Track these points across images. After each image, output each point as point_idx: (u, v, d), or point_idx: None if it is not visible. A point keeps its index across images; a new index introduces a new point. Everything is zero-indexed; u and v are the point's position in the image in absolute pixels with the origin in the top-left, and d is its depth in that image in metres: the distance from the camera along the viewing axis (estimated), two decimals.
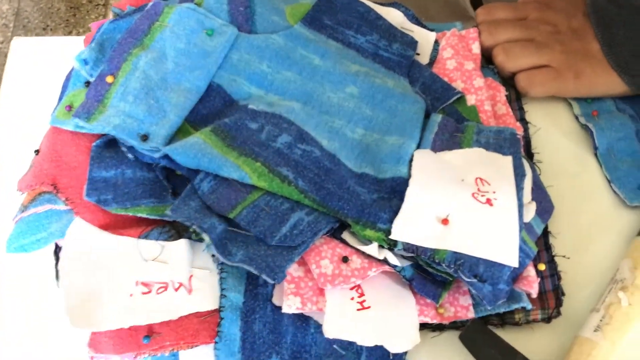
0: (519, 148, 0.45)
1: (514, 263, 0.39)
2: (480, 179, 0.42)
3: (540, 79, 0.50)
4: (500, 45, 0.51)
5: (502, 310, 0.40)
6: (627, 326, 0.40)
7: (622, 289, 0.42)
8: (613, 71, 0.50)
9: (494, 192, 0.41)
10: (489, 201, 0.41)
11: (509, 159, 0.44)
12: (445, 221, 0.39)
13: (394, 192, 0.41)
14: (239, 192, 0.39)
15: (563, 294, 0.42)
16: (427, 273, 0.40)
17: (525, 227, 0.42)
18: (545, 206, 0.45)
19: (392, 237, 0.38)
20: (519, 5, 0.53)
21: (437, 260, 0.38)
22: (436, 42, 0.51)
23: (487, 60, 0.52)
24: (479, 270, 0.38)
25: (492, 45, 0.51)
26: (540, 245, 0.44)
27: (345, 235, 0.39)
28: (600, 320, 0.40)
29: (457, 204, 0.40)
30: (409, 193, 0.40)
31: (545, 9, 0.53)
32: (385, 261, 0.39)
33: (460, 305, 0.40)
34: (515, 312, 0.41)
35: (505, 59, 0.51)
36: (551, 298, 0.42)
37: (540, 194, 0.45)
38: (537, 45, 0.51)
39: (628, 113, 0.52)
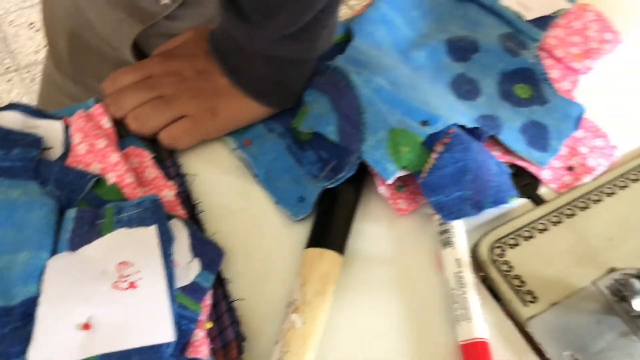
0: (163, 213, 0.44)
1: (170, 337, 0.38)
2: (123, 263, 0.41)
3: (180, 132, 0.50)
4: (131, 113, 0.50)
5: None
6: (305, 347, 0.41)
7: (295, 310, 0.43)
8: (248, 98, 0.52)
9: (138, 272, 0.40)
10: (132, 285, 0.39)
11: (152, 229, 0.43)
12: (86, 326, 0.37)
13: (26, 316, 0.38)
14: None
15: (244, 339, 0.42)
16: None
17: (186, 290, 0.41)
18: (212, 256, 0.45)
19: None
20: (144, 63, 0.53)
21: None
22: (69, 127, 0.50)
23: None
24: None
25: (122, 116, 0.50)
26: (218, 296, 0.44)
27: None
28: (280, 351, 0.41)
29: (96, 302, 0.38)
30: (40, 311, 0.38)
31: (168, 60, 0.53)
32: None
33: None
34: None
35: (139, 126, 0.50)
36: (234, 348, 0.42)
37: (204, 246, 0.45)
38: (166, 100, 0.51)
39: (278, 131, 0.54)
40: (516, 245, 0.48)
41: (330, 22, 0.49)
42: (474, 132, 0.52)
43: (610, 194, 0.51)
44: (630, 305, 0.44)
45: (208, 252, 0.45)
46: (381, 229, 0.49)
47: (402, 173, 0.49)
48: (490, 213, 0.50)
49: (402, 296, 0.46)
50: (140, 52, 0.69)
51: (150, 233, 0.43)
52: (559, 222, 0.49)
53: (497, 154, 0.53)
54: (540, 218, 0.49)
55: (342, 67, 0.53)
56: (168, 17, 0.63)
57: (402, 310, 0.45)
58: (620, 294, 0.44)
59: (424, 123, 0.50)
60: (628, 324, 0.44)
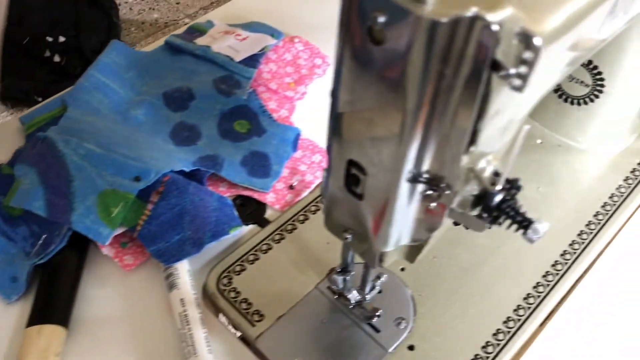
0: None
1: None
2: None
3: None
4: None
5: None
6: None
7: None
8: None
9: None
10: None
11: None
12: None
13: None
14: None
15: None
16: None
17: None
18: None
19: None
20: None
21: None
22: None
23: None
24: None
25: None
26: None
27: None
28: None
29: None
30: None
31: None
32: None
33: None
34: None
35: None
36: None
37: None
38: None
39: None
40: (243, 270, 0.50)
41: None
42: (195, 174, 0.54)
43: None
44: (348, 299, 0.47)
45: None
46: (111, 289, 0.49)
47: (119, 231, 0.49)
48: (221, 246, 0.52)
49: (135, 351, 0.46)
50: None
51: None
52: (282, 239, 0.52)
53: (222, 189, 0.56)
54: (264, 240, 0.52)
55: (51, 138, 0.53)
56: None
57: None
58: (338, 290, 0.47)
59: (137, 179, 0.51)
60: (349, 316, 0.47)
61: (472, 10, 0.25)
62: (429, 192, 0.32)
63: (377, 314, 0.47)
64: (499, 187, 0.32)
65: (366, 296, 0.46)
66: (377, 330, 0.46)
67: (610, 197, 0.56)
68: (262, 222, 0.54)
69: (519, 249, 0.52)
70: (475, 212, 0.34)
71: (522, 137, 0.33)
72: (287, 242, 0.52)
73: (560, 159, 0.59)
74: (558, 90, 0.59)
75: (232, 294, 0.48)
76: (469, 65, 0.26)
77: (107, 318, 0.48)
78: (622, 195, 0.57)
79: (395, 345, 0.46)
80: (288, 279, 0.50)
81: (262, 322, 0.47)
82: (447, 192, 0.32)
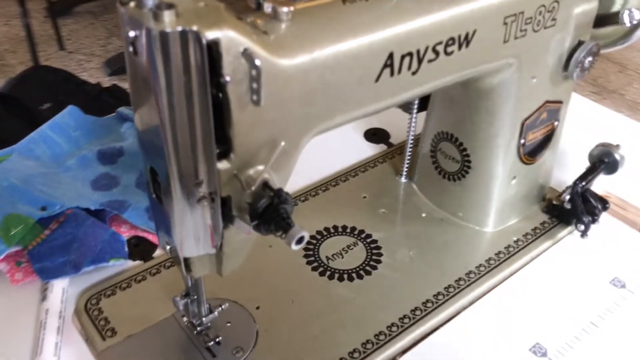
0: None
1: None
2: None
3: None
4: None
5: None
6: None
7: None
8: None
9: None
10: None
11: None
12: None
13: None
14: None
15: None
16: None
17: None
18: None
19: None
20: None
21: None
22: None
23: None
24: None
25: None
26: None
27: None
28: None
29: None
30: None
31: None
32: None
33: None
34: None
35: None
36: None
37: None
38: None
39: None
40: (112, 295, 0.55)
41: None
42: (100, 214, 0.61)
43: None
44: (194, 325, 0.51)
45: None
46: None
47: (14, 250, 0.56)
48: (105, 274, 0.57)
49: None
50: None
51: None
52: (157, 272, 0.57)
53: (124, 230, 0.62)
54: (141, 272, 0.57)
55: None
56: None
57: None
58: (187, 318, 0.51)
59: (43, 208, 0.59)
60: (193, 342, 0.51)
61: (193, 27, 0.32)
62: (202, 195, 0.38)
63: (216, 340, 0.50)
64: (253, 188, 0.37)
65: (203, 319, 0.50)
66: (213, 355, 0.50)
67: (477, 267, 0.59)
68: (147, 258, 0.60)
69: (373, 302, 0.55)
70: (248, 218, 0.39)
71: (279, 152, 0.39)
72: (162, 276, 0.57)
73: (439, 231, 0.63)
74: (438, 167, 0.64)
75: (96, 312, 0.53)
76: (197, 74, 0.33)
77: None
78: (489, 266, 0.59)
79: None
80: (151, 306, 0.54)
81: (112, 338, 0.51)
82: (213, 196, 0.38)
